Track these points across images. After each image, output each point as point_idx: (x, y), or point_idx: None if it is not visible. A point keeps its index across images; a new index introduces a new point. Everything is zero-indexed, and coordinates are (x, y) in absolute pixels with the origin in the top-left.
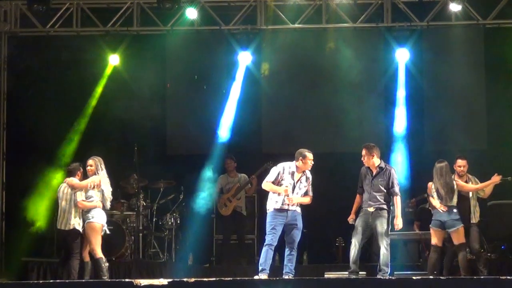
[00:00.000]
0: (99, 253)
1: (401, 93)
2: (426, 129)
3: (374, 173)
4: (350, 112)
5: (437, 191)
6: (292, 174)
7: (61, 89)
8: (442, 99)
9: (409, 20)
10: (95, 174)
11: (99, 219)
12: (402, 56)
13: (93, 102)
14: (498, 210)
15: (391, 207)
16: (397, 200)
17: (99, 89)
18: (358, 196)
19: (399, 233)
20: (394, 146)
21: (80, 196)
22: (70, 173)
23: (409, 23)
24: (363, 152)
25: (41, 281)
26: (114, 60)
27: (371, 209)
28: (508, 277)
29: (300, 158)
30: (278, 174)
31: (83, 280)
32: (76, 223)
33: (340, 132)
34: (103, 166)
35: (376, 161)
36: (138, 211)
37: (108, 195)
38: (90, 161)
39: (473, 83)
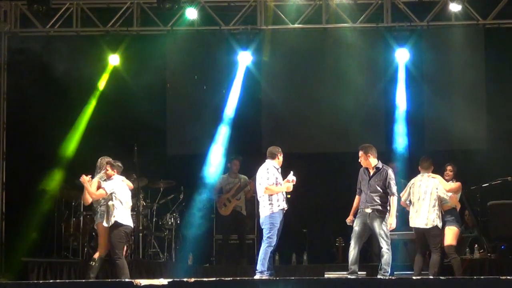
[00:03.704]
0: None
1: (401, 93)
2: (426, 129)
3: (371, 173)
4: (350, 113)
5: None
6: (278, 171)
7: (61, 89)
8: (442, 99)
9: (409, 20)
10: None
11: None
12: (402, 56)
13: (93, 102)
14: (498, 210)
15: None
16: (393, 200)
17: (99, 89)
18: (357, 197)
19: (399, 233)
20: (394, 146)
21: None
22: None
23: (409, 23)
24: (360, 153)
25: (41, 281)
26: (114, 60)
27: (368, 210)
28: (508, 277)
29: (278, 154)
30: (273, 175)
31: (83, 280)
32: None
33: (339, 132)
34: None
35: (373, 161)
36: (138, 211)
37: None
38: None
39: (473, 83)
